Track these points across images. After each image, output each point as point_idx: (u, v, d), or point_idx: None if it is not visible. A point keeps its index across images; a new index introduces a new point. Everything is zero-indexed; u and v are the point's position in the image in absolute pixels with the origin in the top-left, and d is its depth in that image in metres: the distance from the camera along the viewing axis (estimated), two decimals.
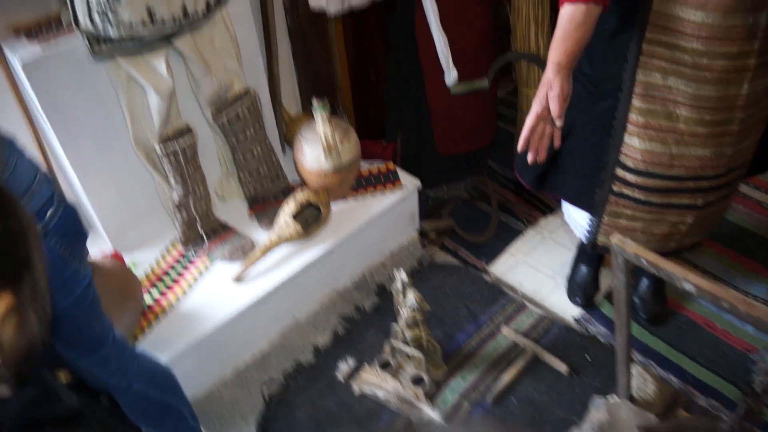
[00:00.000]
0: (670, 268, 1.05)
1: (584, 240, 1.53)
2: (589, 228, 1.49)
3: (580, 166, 1.40)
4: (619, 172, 1.37)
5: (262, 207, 1.78)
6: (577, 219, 1.56)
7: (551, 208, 2.13)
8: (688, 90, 1.19)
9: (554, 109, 1.09)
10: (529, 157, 1.16)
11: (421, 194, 2.06)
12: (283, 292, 1.65)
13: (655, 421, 1.34)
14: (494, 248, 2.01)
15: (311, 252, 1.68)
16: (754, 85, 1.19)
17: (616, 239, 1.10)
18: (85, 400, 0.81)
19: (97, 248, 1.66)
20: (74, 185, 1.59)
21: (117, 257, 1.61)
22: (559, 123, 1.11)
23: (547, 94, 1.10)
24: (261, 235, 1.71)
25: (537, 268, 1.93)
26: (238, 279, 1.62)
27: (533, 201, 2.17)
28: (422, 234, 2.01)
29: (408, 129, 2.06)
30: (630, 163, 1.34)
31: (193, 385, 1.55)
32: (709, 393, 1.58)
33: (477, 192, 2.21)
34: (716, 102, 1.19)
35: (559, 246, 2.00)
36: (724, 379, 1.61)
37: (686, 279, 1.03)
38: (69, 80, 1.39)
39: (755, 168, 1.43)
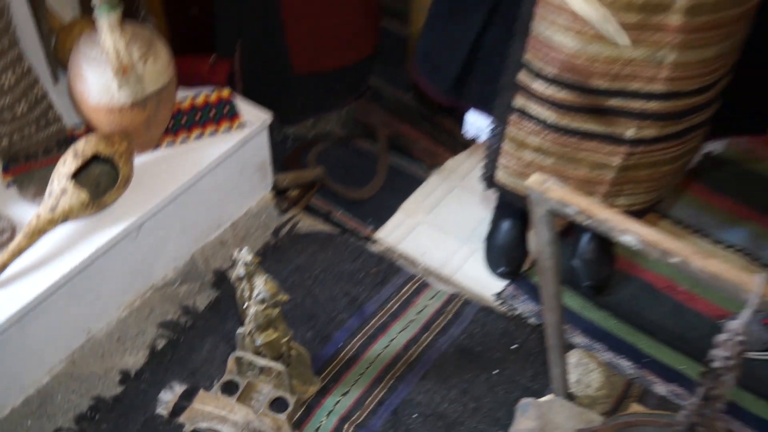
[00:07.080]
0: (606, 216, 1.10)
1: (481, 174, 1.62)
2: (485, 154, 1.55)
3: (496, 62, 1.46)
4: (523, 77, 1.40)
5: (26, 167, 1.73)
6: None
7: (461, 143, 2.14)
8: None
9: None
10: None
11: (275, 133, 2.08)
12: (66, 295, 1.59)
13: (599, 423, 1.41)
14: (384, 206, 2.02)
15: (107, 231, 1.64)
16: None
17: (533, 180, 1.12)
18: None
19: None
20: None
21: None
22: None
23: None
24: (25, 212, 1.66)
25: (445, 230, 1.96)
26: None
27: (436, 132, 2.18)
28: (279, 192, 2.03)
29: (250, 37, 2.03)
30: (537, 65, 1.37)
31: None
32: (671, 377, 1.67)
33: (356, 126, 2.24)
34: None
35: (474, 197, 2.02)
36: (688, 356, 1.70)
37: (627, 230, 1.07)
38: None
39: (733, 122, 1.52)
